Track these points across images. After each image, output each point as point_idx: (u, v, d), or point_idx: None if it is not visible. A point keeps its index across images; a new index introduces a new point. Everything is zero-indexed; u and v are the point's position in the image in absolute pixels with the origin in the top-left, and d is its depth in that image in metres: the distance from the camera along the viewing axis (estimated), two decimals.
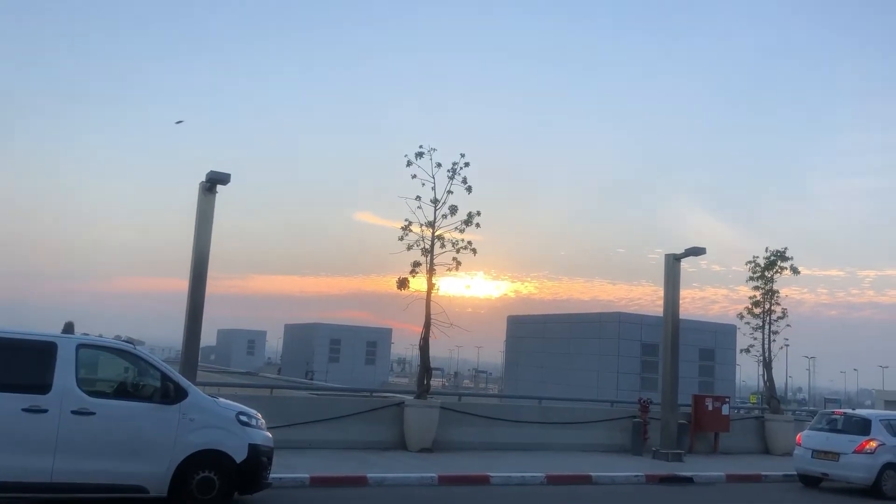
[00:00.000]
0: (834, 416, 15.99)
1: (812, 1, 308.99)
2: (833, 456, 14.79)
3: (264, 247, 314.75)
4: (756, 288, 20.93)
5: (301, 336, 76.00)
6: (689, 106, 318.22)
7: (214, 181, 13.80)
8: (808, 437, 15.61)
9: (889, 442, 14.64)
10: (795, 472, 15.86)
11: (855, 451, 14.56)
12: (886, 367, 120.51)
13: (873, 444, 14.51)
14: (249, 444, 9.25)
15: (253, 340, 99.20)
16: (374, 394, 18.92)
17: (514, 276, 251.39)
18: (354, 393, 22.57)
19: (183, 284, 15.10)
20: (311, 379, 50.43)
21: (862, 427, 14.93)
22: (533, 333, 46.77)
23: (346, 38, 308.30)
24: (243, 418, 9.46)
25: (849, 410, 16.58)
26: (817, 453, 15.08)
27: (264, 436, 9.67)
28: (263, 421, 9.92)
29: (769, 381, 21.09)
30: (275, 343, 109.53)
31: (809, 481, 15.67)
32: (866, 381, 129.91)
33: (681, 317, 18.75)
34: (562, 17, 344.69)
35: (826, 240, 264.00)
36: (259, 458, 9.32)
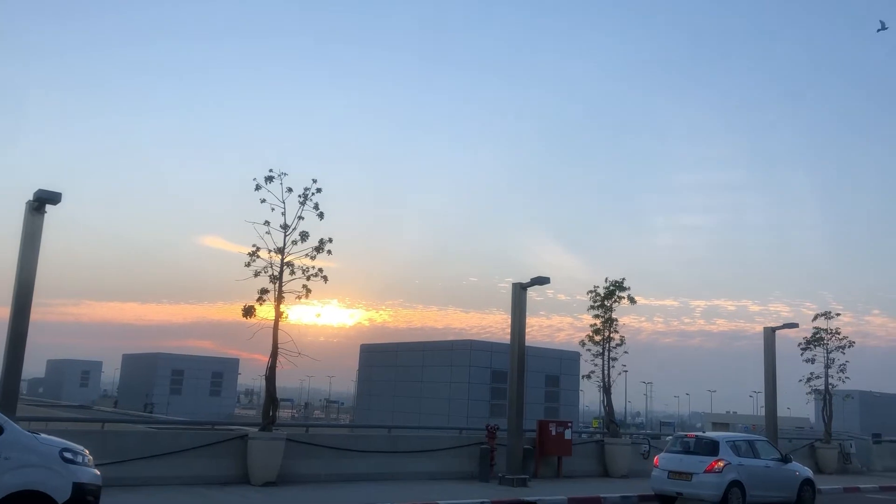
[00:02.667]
0: (687, 439, 17.20)
1: (649, 44, 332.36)
2: (686, 476, 15.85)
3: (101, 271, 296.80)
4: (597, 316, 21.88)
5: (140, 366, 72.15)
6: (537, 140, 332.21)
7: (43, 200, 12.89)
8: (664, 459, 16.60)
9: (734, 461, 15.91)
10: (652, 491, 16.79)
11: (705, 471, 15.65)
12: (714, 391, 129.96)
13: (721, 464, 15.68)
14: (74, 483, 8.59)
15: (87, 371, 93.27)
16: (217, 426, 18.14)
17: (368, 305, 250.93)
18: (196, 426, 21.52)
19: (4, 311, 13.91)
20: (151, 412, 47.81)
21: (711, 448, 16.14)
22: (385, 362, 46.66)
23: (198, 53, 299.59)
24: (68, 455, 8.79)
25: (700, 433, 17.93)
26: (673, 474, 16.10)
27: (91, 473, 9.01)
28: (91, 458, 9.25)
29: (608, 405, 22.04)
30: (111, 374, 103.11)
31: (666, 500, 16.67)
32: (697, 405, 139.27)
33: (528, 344, 19.32)
34: (415, 58, 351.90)
35: (662, 271, 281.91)
36: (84, 498, 8.68)
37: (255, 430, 15.60)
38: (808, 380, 27.50)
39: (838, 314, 27.80)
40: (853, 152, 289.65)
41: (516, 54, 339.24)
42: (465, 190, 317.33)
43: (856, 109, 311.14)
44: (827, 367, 27.17)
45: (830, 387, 27.32)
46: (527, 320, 18.99)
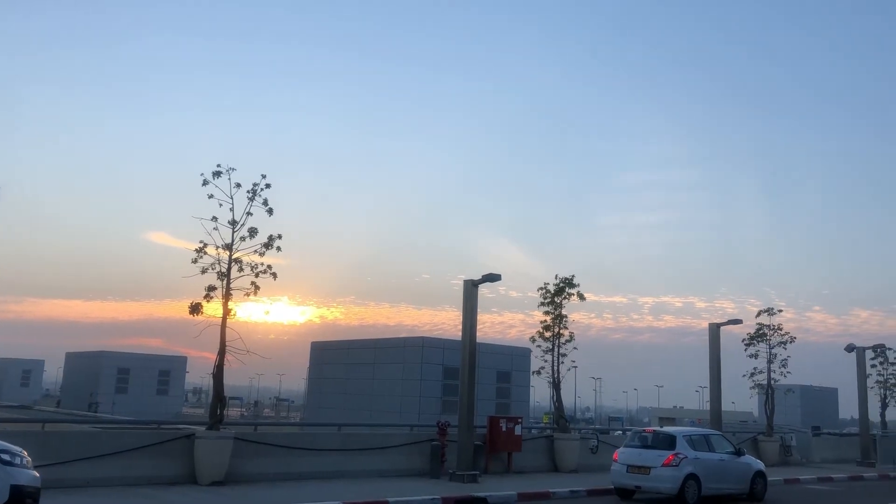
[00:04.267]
0: (645, 434, 17.62)
1: (604, 46, 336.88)
2: (645, 470, 16.24)
3: (44, 268, 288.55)
4: (547, 313, 22.06)
5: (84, 365, 70.36)
6: (491, 138, 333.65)
7: None
8: (623, 454, 16.96)
9: (691, 455, 16.35)
10: (612, 485, 17.17)
11: (663, 465, 16.06)
12: (661, 386, 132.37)
13: (678, 458, 16.08)
14: (12, 486, 8.40)
15: (29, 370, 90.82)
16: (163, 426, 17.82)
17: (320, 302, 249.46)
18: (141, 426, 21.13)
19: None
20: (95, 411, 46.78)
21: (669, 443, 16.58)
22: (337, 359, 46.36)
23: (147, 48, 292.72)
24: (5, 457, 8.57)
25: (658, 428, 18.40)
26: (631, 468, 16.48)
27: (30, 475, 8.79)
28: (30, 459, 9.02)
29: (558, 401, 22.28)
30: (54, 373, 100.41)
31: (624, 494, 16.99)
32: (645, 400, 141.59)
33: (480, 340, 19.40)
34: (367, 54, 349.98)
35: (612, 268, 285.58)
36: (23, 501, 8.50)
37: (203, 429, 15.37)
38: (752, 374, 28.19)
39: (780, 311, 28.58)
40: (797, 154, 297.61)
41: (471, 52, 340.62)
42: (417, 187, 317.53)
43: (801, 110, 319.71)
44: (769, 362, 27.89)
45: (773, 381, 28.05)
46: (479, 317, 19.06)
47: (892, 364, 33.46)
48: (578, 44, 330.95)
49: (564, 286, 22.00)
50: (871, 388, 32.45)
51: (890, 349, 33.54)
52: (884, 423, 34.58)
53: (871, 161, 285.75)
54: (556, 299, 21.97)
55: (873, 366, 32.90)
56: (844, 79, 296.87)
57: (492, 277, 18.79)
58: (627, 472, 16.56)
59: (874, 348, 32.80)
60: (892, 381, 33.45)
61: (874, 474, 26.10)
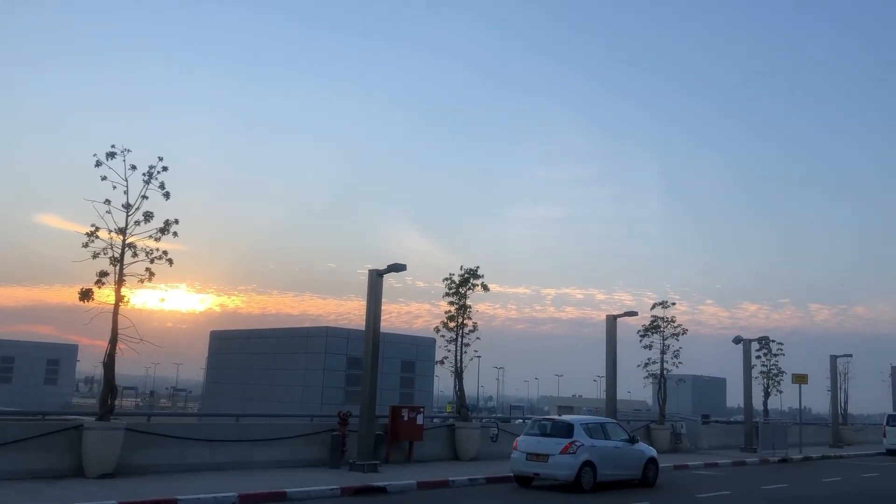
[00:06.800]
0: (544, 422, 18.03)
1: (513, 41, 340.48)
2: (543, 458, 16.63)
3: None
4: (451, 303, 22.23)
5: None
6: (398, 127, 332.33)
7: None
8: (523, 442, 17.28)
9: (587, 443, 16.83)
10: (511, 473, 17.47)
11: (561, 453, 16.49)
12: (561, 375, 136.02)
13: (575, 446, 16.52)
14: None
15: None
16: (49, 416, 16.96)
17: (220, 290, 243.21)
18: (25, 416, 20.04)
19: None
20: None
21: (567, 431, 17.01)
22: (237, 349, 45.43)
23: (42, 22, 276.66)
24: None
25: (556, 417, 18.79)
26: (530, 456, 16.83)
27: None
28: None
29: (460, 391, 22.50)
30: None
31: (523, 481, 17.33)
32: (546, 389, 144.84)
33: (385, 330, 19.37)
34: (274, 38, 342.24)
35: (516, 260, 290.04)
36: None
37: (92, 419, 14.74)
38: (646, 365, 29.24)
39: (674, 303, 29.74)
40: (691, 154, 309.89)
41: (378, 39, 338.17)
42: (323, 175, 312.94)
43: (694, 111, 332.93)
44: (662, 353, 28.99)
45: (665, 371, 29.20)
46: (385, 307, 19.06)
47: (776, 355, 35.34)
48: (486, 37, 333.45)
49: (469, 277, 22.22)
50: (756, 378, 34.21)
51: (773, 341, 35.44)
52: (766, 411, 36.52)
53: (759, 163, 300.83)
54: (460, 290, 22.16)
55: (758, 357, 34.67)
56: (735, 80, 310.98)
57: (397, 267, 18.78)
58: (527, 459, 16.91)
59: (759, 340, 34.61)
60: (775, 371, 35.32)
61: (755, 459, 27.60)
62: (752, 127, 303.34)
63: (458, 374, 22.13)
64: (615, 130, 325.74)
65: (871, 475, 24.06)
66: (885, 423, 35.44)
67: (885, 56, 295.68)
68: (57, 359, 69.57)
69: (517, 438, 17.80)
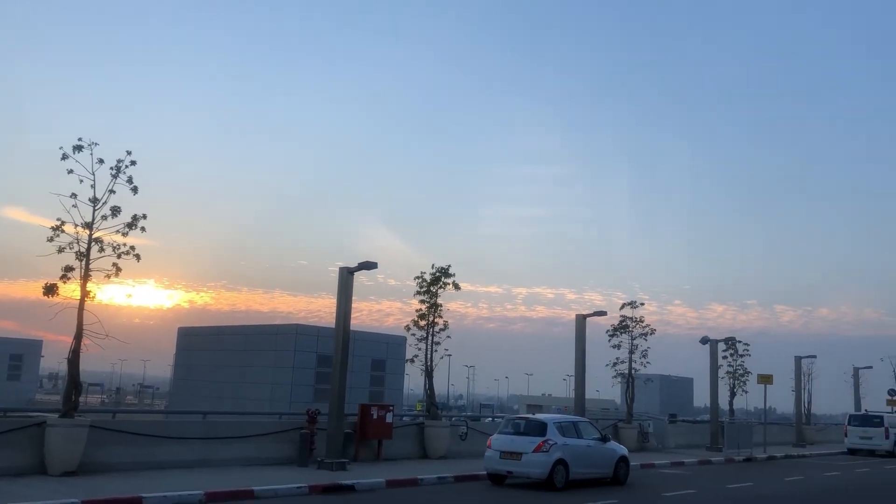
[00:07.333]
0: (518, 421, 18.19)
1: (490, 38, 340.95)
2: (517, 456, 16.71)
3: None
4: (422, 301, 22.20)
5: None
6: (370, 124, 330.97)
7: None
8: (496, 440, 17.37)
9: (560, 441, 16.94)
10: (485, 471, 17.57)
11: (534, 451, 16.57)
12: (531, 374, 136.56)
13: (548, 444, 16.63)
14: None
15: None
16: (11, 413, 16.71)
17: (189, 286, 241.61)
18: None
19: None
20: None
21: (540, 429, 17.13)
22: (206, 346, 45.00)
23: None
24: None
25: (530, 415, 19.03)
26: (504, 454, 16.91)
27: None
28: None
29: (430, 389, 22.51)
30: None
31: (497, 479, 17.42)
32: (516, 388, 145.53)
33: (356, 328, 19.32)
34: (253, 29, 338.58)
35: (488, 259, 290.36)
36: None
37: (55, 416, 14.53)
38: (615, 364, 29.47)
39: (643, 304, 30.01)
40: (662, 156, 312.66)
41: (348, 37, 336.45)
42: (294, 173, 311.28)
43: (667, 113, 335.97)
44: (631, 352, 29.24)
45: (633, 371, 29.46)
46: (356, 305, 19.05)
47: (742, 356, 35.76)
48: (459, 35, 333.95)
49: (440, 276, 22.20)
50: (722, 378, 34.59)
51: (740, 342, 35.85)
52: (732, 410, 37.00)
53: (730, 166, 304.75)
54: (431, 288, 22.14)
55: (724, 357, 35.04)
56: (707, 81, 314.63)
57: (368, 265, 18.73)
58: (500, 458, 16.99)
59: (725, 340, 35.04)
60: (741, 371, 35.76)
61: (721, 458, 27.96)
62: (723, 129, 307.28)
63: (429, 372, 22.12)
64: (587, 131, 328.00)
65: (833, 474, 24.52)
66: (846, 423, 36.16)
67: (846, 58, 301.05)
68: (20, 354, 68.37)
69: (491, 437, 17.87)
